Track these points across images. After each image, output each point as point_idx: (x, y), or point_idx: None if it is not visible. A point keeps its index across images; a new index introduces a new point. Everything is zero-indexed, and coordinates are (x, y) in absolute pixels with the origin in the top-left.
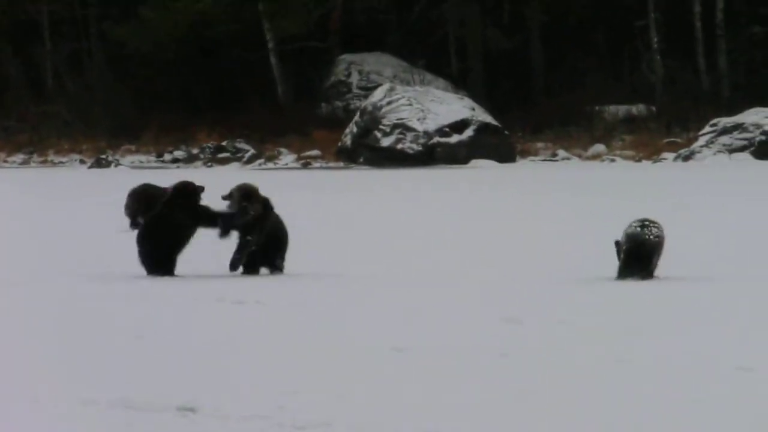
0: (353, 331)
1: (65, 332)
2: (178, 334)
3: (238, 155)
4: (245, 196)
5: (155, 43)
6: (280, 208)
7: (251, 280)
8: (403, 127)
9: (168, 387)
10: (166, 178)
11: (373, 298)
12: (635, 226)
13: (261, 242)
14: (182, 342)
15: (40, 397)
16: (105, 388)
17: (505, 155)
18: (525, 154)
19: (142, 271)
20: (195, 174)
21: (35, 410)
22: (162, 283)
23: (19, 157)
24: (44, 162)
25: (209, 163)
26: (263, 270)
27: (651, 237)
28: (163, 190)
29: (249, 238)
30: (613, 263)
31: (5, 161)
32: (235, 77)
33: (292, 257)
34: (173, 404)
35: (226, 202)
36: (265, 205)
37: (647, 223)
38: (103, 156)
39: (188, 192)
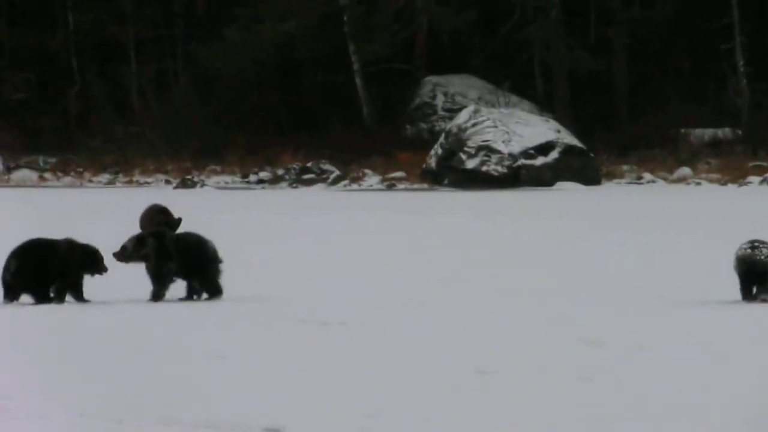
0: (437, 353)
1: (147, 353)
2: (262, 354)
3: (323, 176)
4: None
5: (241, 65)
6: (358, 230)
7: (336, 302)
8: (488, 149)
9: (253, 408)
10: (251, 199)
11: (457, 320)
12: (745, 248)
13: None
14: (266, 363)
15: (125, 418)
16: (189, 409)
17: (590, 178)
18: (610, 176)
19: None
20: (280, 195)
21: (118, 431)
22: (243, 303)
23: (105, 177)
24: (130, 182)
25: (294, 184)
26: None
27: (763, 257)
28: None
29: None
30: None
31: (91, 181)
32: (320, 99)
33: (374, 279)
34: (258, 425)
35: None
36: (141, 240)
37: (757, 244)
38: (189, 176)
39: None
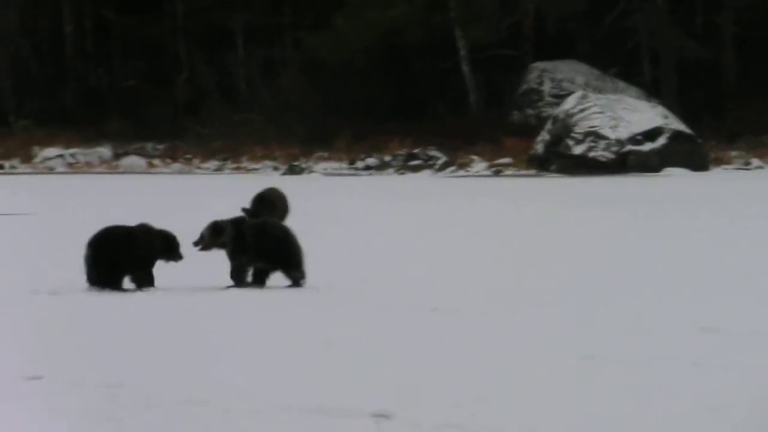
0: (543, 339)
1: (252, 339)
2: (371, 340)
3: (430, 163)
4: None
5: (348, 52)
6: (466, 217)
7: (447, 289)
8: (595, 135)
9: (362, 393)
10: (358, 185)
11: (566, 306)
12: None
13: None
14: (375, 348)
15: (234, 405)
16: (299, 395)
17: (698, 164)
18: (718, 162)
19: (330, 276)
20: (386, 181)
21: (228, 418)
22: (351, 290)
23: (213, 164)
24: (238, 168)
25: (401, 171)
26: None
27: None
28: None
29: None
30: None
31: (199, 167)
32: (426, 85)
33: (483, 264)
34: (367, 411)
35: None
36: (219, 229)
37: None
38: (296, 163)
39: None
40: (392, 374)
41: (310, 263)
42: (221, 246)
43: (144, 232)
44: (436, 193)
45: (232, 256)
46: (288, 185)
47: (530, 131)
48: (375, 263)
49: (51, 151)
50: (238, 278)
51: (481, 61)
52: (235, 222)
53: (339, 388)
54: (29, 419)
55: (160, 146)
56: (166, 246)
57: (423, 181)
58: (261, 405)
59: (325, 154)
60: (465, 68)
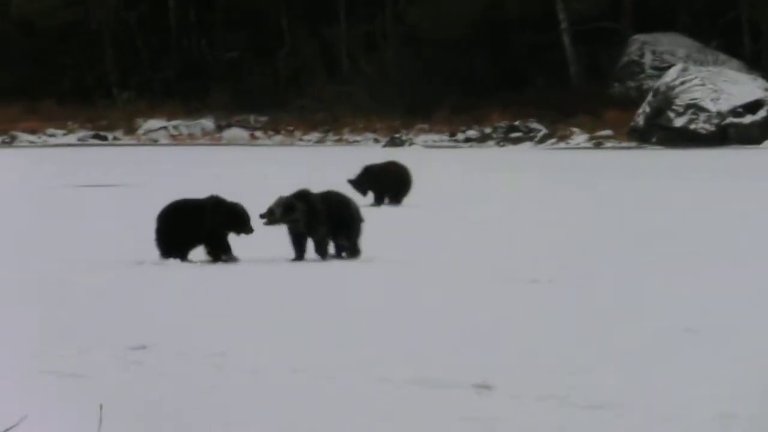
0: (645, 311)
1: (354, 310)
2: (471, 312)
3: (531, 135)
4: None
5: (449, 24)
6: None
7: (546, 261)
8: (696, 108)
9: (462, 365)
10: (458, 157)
11: (667, 278)
12: None
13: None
14: (475, 320)
15: (336, 374)
16: (400, 366)
17: None
18: None
19: (427, 248)
20: (486, 153)
21: (331, 387)
22: (450, 261)
23: (315, 136)
24: (339, 140)
25: (501, 143)
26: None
27: None
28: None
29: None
30: None
31: (301, 139)
32: (527, 57)
33: (582, 237)
34: (468, 382)
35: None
36: (291, 205)
37: None
38: (397, 135)
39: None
40: (493, 346)
41: (410, 236)
42: (292, 222)
43: (214, 204)
44: (537, 165)
45: (311, 230)
46: (389, 157)
47: (631, 104)
48: (473, 236)
49: (154, 123)
50: (323, 250)
51: (581, 34)
52: (301, 196)
53: (440, 359)
54: (136, 388)
55: (263, 118)
56: (235, 219)
57: (522, 153)
58: (361, 376)
59: (426, 126)
60: (566, 41)
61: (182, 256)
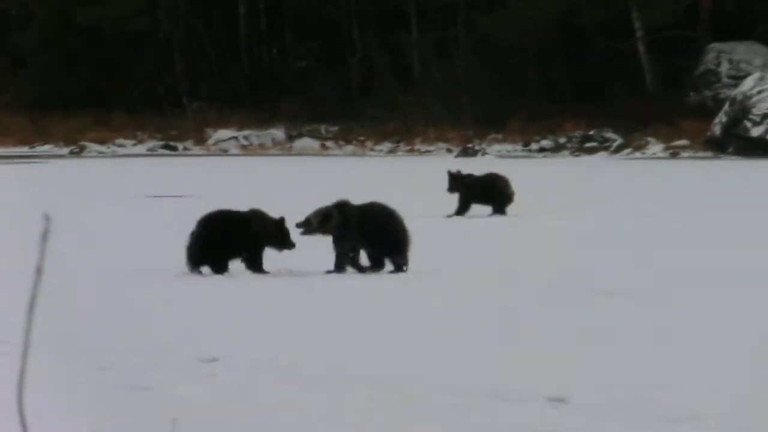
0: (720, 322)
1: (424, 322)
2: (546, 323)
3: (606, 144)
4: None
5: (522, 32)
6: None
7: (620, 272)
8: None
9: (537, 377)
10: (533, 168)
11: (741, 288)
12: None
13: (353, 246)
14: (549, 332)
15: (408, 385)
16: (473, 378)
17: None
18: None
19: (497, 258)
20: (561, 163)
21: (404, 399)
22: (523, 272)
23: (386, 146)
24: (411, 151)
25: (576, 153)
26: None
27: None
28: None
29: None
30: None
31: (372, 149)
32: (602, 66)
33: (655, 247)
34: (543, 395)
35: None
36: (327, 215)
37: None
38: (470, 145)
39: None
40: (567, 358)
41: (485, 246)
42: (327, 232)
43: (258, 218)
44: (613, 175)
45: (336, 241)
46: (461, 168)
47: (707, 113)
48: (551, 246)
49: (224, 133)
50: (339, 265)
51: (657, 42)
52: (339, 207)
53: (513, 371)
54: (208, 399)
55: (333, 128)
56: (278, 233)
57: (597, 163)
58: (435, 387)
59: (499, 136)
60: (641, 49)
61: (221, 268)
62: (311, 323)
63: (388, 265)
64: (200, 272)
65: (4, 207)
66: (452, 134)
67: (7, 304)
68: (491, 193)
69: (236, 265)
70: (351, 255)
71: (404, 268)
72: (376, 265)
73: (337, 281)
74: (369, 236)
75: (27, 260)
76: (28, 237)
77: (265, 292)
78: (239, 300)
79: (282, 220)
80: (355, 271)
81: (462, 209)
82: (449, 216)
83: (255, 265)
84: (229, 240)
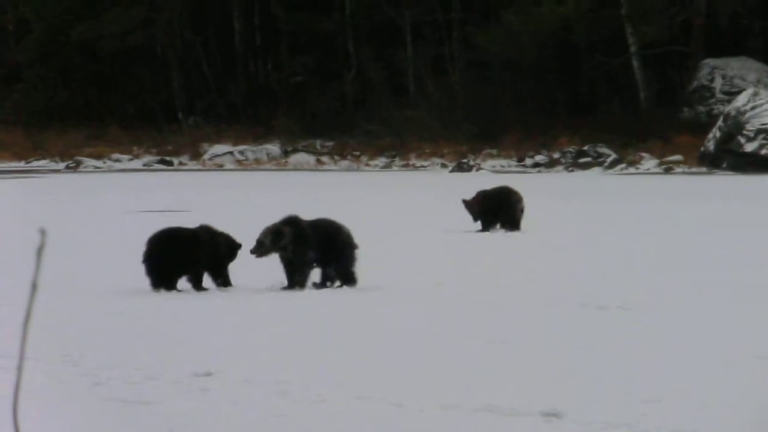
0: (716, 339)
1: (417, 338)
2: (539, 338)
3: (600, 160)
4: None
5: (517, 48)
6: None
7: (615, 286)
8: (767, 133)
9: (530, 392)
10: (527, 182)
11: (738, 305)
12: None
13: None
14: (544, 347)
15: (404, 401)
16: (467, 394)
17: None
18: None
19: (494, 273)
20: (555, 178)
21: (399, 414)
22: (518, 285)
23: (381, 161)
24: (406, 166)
25: (570, 168)
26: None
27: None
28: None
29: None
30: None
31: (367, 164)
32: (596, 82)
33: (653, 263)
34: (537, 410)
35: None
36: (278, 232)
37: None
38: (465, 160)
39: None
40: (561, 373)
41: (480, 261)
42: (282, 249)
43: (208, 234)
44: (607, 191)
45: (296, 256)
46: (456, 183)
47: (701, 128)
48: (543, 261)
49: (220, 148)
50: (303, 279)
51: (651, 58)
52: (290, 222)
53: (507, 386)
54: (203, 414)
55: (329, 143)
56: (228, 249)
57: (592, 178)
58: (429, 403)
59: (494, 152)
60: (635, 64)
61: (171, 285)
62: (303, 339)
63: (336, 280)
64: (164, 290)
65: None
66: (447, 149)
67: (4, 318)
68: (500, 207)
69: (235, 281)
70: (310, 267)
71: (354, 281)
72: (327, 280)
73: (321, 296)
74: (320, 251)
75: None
76: (24, 251)
77: (258, 308)
78: (233, 316)
79: (229, 236)
80: (311, 286)
81: (486, 225)
82: (478, 231)
83: (199, 281)
84: (177, 257)
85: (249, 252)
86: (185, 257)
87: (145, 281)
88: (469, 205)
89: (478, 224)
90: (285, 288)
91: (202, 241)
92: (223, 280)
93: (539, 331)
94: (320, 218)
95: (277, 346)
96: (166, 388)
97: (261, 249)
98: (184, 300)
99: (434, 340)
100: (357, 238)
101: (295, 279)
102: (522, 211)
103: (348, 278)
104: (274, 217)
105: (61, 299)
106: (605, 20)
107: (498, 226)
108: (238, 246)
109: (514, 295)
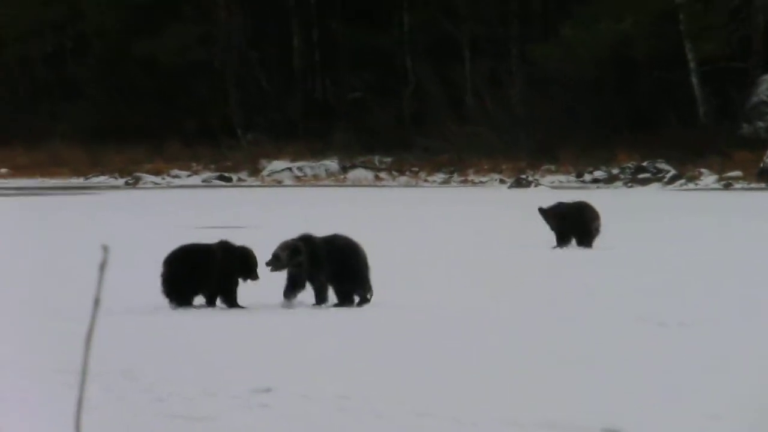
0: None
1: (483, 354)
2: (599, 353)
3: (659, 176)
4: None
5: (576, 63)
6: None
7: (673, 302)
8: None
9: (591, 409)
10: (586, 198)
11: None
12: None
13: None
14: (604, 362)
15: (462, 417)
16: (527, 410)
17: None
18: None
19: (552, 290)
20: (615, 194)
21: (457, 429)
22: (581, 298)
23: (440, 177)
24: (464, 181)
25: (629, 184)
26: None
27: None
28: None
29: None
30: None
31: (426, 180)
32: (655, 97)
33: (714, 280)
34: (597, 426)
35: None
36: (295, 248)
37: None
38: (523, 176)
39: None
40: (621, 389)
41: (536, 276)
42: (297, 266)
43: (224, 249)
44: (667, 207)
45: (312, 276)
46: (515, 199)
47: (760, 144)
48: (600, 276)
49: (278, 164)
50: (321, 298)
51: (710, 73)
52: (305, 240)
53: (567, 402)
54: (262, 430)
55: (387, 159)
56: (245, 264)
57: (651, 194)
58: (490, 419)
59: (552, 167)
60: (694, 80)
61: (187, 302)
62: (361, 354)
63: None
64: (182, 307)
65: (61, 238)
66: (505, 165)
67: (67, 333)
68: (574, 223)
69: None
70: (326, 285)
71: (368, 299)
72: (344, 300)
73: (376, 312)
74: (334, 269)
75: (85, 290)
76: (86, 267)
77: (313, 323)
78: (289, 331)
79: (249, 250)
80: (319, 305)
81: (561, 240)
82: (554, 248)
83: (230, 297)
84: (195, 274)
85: (265, 264)
86: (199, 274)
87: (200, 298)
88: (545, 214)
89: (546, 239)
90: (314, 305)
91: (216, 257)
92: (228, 299)
93: (598, 347)
94: (336, 234)
95: (334, 361)
96: (225, 404)
97: (276, 263)
98: (242, 316)
99: (493, 356)
100: (416, 254)
101: (322, 296)
102: (597, 229)
103: (363, 297)
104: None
105: (120, 315)
106: (664, 36)
107: (572, 241)
108: (254, 262)
109: (573, 310)
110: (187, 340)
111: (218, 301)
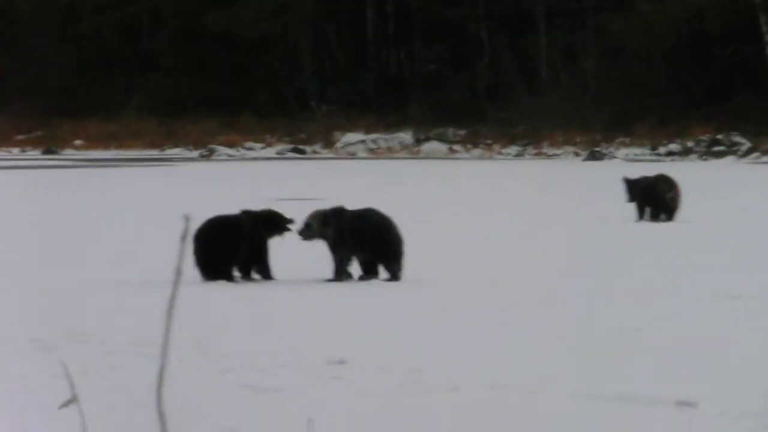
0: None
1: (559, 326)
2: (672, 326)
3: (734, 149)
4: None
5: (651, 36)
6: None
7: (747, 277)
8: None
9: (666, 381)
10: (662, 171)
11: None
12: None
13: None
14: (677, 335)
15: (538, 388)
16: (603, 382)
17: None
18: None
19: (623, 262)
20: (690, 167)
21: (531, 401)
22: (657, 274)
23: (514, 149)
24: (539, 154)
25: (704, 157)
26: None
27: None
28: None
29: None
30: None
31: (500, 153)
32: (729, 70)
33: None
34: (672, 398)
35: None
36: (327, 218)
37: None
38: (598, 149)
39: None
40: (695, 362)
41: (609, 250)
42: (325, 237)
43: (246, 217)
44: (741, 180)
45: (334, 250)
46: (589, 171)
47: None
48: (674, 249)
49: (352, 137)
50: (339, 272)
51: None
52: (336, 213)
53: (640, 375)
54: (336, 401)
55: (461, 131)
56: (272, 222)
57: (726, 167)
58: (562, 391)
59: (627, 140)
60: None
61: (223, 275)
62: (435, 327)
63: (382, 273)
64: (215, 280)
65: (140, 209)
66: (580, 138)
67: (148, 304)
68: (648, 196)
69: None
70: (347, 259)
71: (399, 275)
72: (369, 273)
73: (448, 285)
74: (364, 243)
75: (165, 261)
76: (167, 238)
77: (386, 295)
78: (363, 303)
79: (268, 210)
80: (349, 279)
81: (638, 212)
82: (636, 221)
83: (247, 269)
84: (222, 246)
85: (297, 233)
86: (228, 246)
87: (277, 268)
88: (629, 184)
89: (624, 212)
90: (329, 280)
91: (241, 227)
92: (261, 269)
93: (672, 320)
94: (369, 208)
95: (409, 334)
96: (298, 376)
97: (308, 232)
98: (314, 288)
99: (567, 329)
100: (492, 229)
101: (339, 271)
102: (673, 200)
103: (393, 273)
104: (404, 204)
105: (193, 286)
106: (737, 9)
107: (650, 214)
108: (278, 217)
109: (646, 283)
110: (258, 312)
111: (253, 273)
